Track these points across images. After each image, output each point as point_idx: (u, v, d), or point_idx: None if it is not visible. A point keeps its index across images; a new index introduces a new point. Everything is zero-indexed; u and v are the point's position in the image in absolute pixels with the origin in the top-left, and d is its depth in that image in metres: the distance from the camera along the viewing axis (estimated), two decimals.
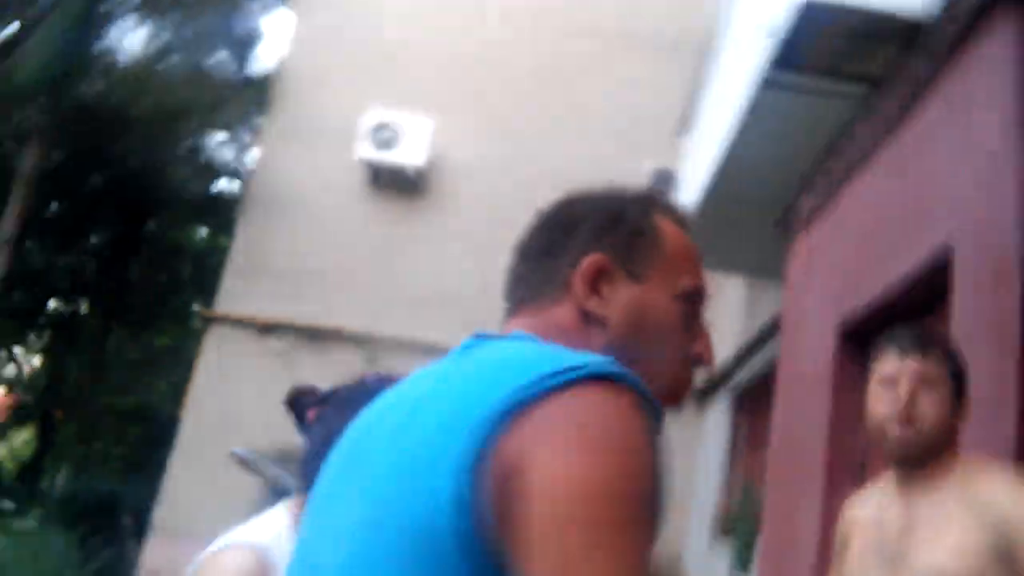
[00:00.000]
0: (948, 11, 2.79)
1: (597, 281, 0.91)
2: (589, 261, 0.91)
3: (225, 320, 7.78)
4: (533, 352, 0.79)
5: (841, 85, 3.47)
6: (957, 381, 1.85)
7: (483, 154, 8.11)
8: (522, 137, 8.15)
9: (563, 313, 0.91)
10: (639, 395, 0.73)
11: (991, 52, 2.71)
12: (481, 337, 0.89)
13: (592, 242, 0.93)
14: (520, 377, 0.72)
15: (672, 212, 0.99)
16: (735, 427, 7.14)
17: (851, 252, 3.72)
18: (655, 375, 0.86)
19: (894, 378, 1.85)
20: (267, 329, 7.68)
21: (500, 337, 0.89)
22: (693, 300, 0.95)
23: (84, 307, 13.98)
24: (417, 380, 0.87)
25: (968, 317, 2.77)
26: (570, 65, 8.41)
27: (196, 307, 12.70)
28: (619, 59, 8.33)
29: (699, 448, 7.82)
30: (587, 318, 0.90)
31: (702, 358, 0.95)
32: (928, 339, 1.92)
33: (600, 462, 0.68)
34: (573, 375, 0.71)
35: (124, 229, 12.08)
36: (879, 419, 1.85)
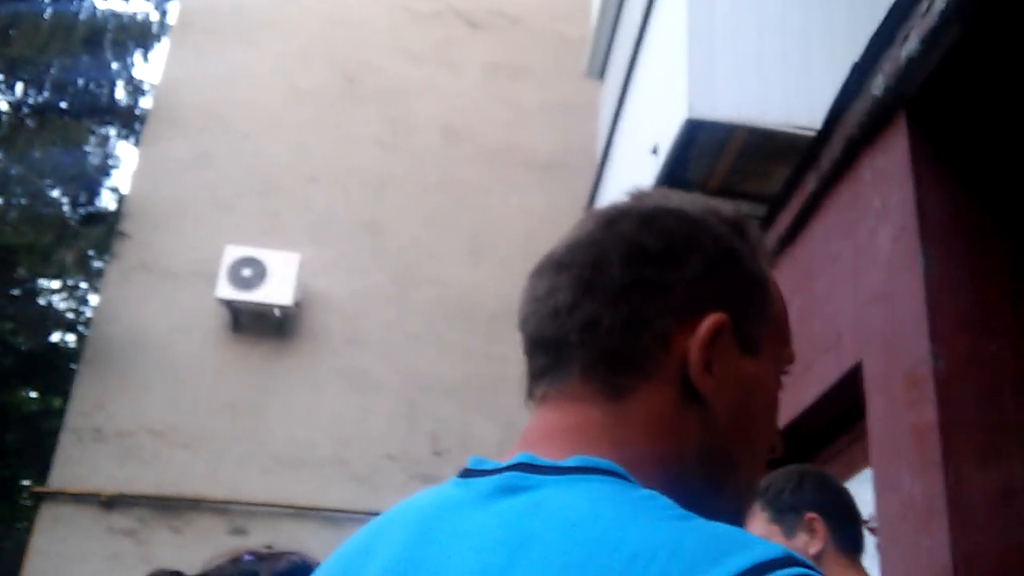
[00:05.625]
0: (837, 125, 2.82)
1: (711, 349, 0.64)
2: (713, 320, 0.64)
3: (61, 495, 6.83)
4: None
5: (738, 204, 3.47)
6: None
7: (354, 288, 7.71)
8: (402, 265, 7.80)
9: (652, 401, 0.62)
10: None
11: (882, 164, 2.74)
12: (519, 477, 0.60)
13: (705, 288, 0.65)
14: None
15: (769, 251, 0.73)
16: None
17: None
18: (743, 485, 0.66)
19: None
20: (111, 502, 6.79)
21: (563, 479, 0.58)
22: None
23: None
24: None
25: (886, 431, 2.69)
26: (452, 187, 8.23)
27: (26, 481, 11.31)
28: (503, 180, 8.24)
29: None
30: (686, 401, 0.63)
31: (776, 448, 0.71)
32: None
33: None
34: None
35: None
36: None
